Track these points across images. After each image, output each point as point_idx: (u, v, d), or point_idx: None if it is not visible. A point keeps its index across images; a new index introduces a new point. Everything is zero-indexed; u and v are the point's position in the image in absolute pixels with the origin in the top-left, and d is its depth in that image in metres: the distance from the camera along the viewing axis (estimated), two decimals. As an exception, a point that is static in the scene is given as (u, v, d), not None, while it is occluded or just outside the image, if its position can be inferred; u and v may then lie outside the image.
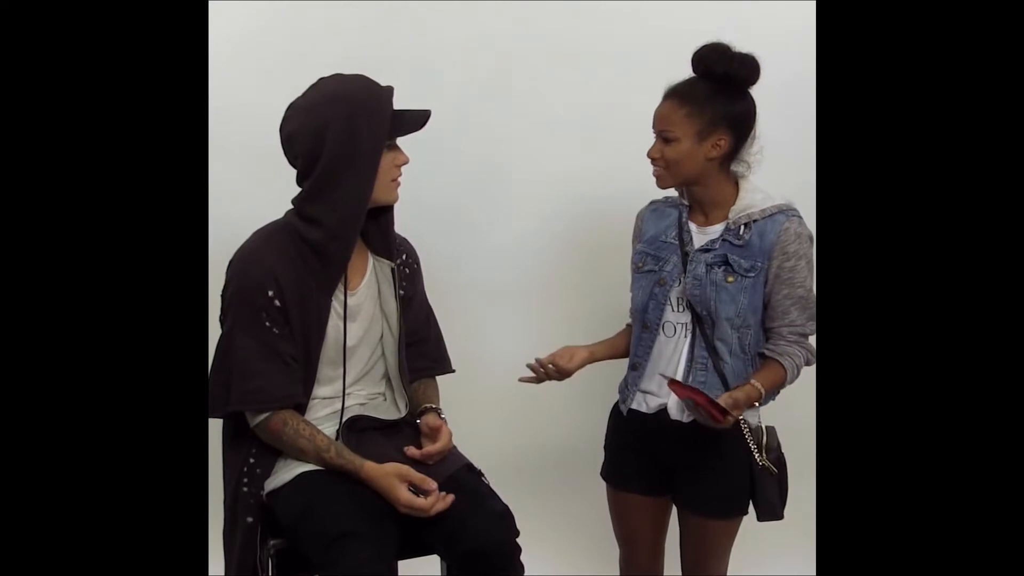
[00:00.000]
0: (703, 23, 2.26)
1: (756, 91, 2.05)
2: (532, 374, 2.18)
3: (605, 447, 2.29)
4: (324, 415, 2.04)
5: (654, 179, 2.10)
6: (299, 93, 2.00)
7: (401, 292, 2.12)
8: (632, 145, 2.18)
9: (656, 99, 2.07)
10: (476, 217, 2.81)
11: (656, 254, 2.14)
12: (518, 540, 1.96)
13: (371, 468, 1.92)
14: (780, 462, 2.12)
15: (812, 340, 2.11)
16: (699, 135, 2.04)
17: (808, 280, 2.09)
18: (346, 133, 1.91)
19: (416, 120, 1.99)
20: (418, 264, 2.20)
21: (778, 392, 2.15)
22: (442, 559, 2.05)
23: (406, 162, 2.02)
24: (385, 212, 2.06)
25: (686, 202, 2.14)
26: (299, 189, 1.99)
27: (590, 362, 2.23)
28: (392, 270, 2.10)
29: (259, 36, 2.67)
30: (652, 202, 2.25)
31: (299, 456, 1.98)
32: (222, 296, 2.02)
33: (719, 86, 2.04)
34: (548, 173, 2.79)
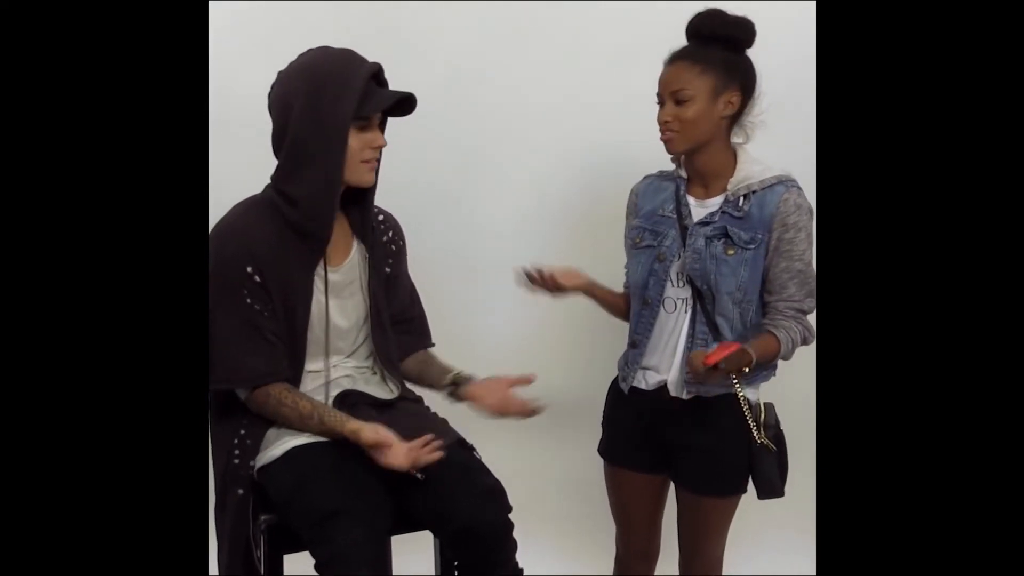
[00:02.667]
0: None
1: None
2: (526, 278, 2.17)
3: (603, 424, 2.28)
4: (312, 388, 2.02)
5: (664, 144, 2.08)
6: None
7: (388, 270, 2.09)
8: (623, 121, 2.21)
9: (651, 81, 2.06)
10: (463, 195, 2.79)
11: (654, 229, 2.13)
12: (511, 516, 1.94)
13: (355, 423, 1.90)
14: (779, 439, 2.11)
15: (812, 319, 2.08)
16: (714, 92, 2.04)
17: (807, 254, 2.07)
18: (310, 106, 1.85)
19: (386, 99, 1.91)
20: (403, 242, 2.16)
21: (774, 368, 2.15)
22: (435, 535, 2.03)
23: (382, 145, 1.95)
24: (365, 194, 2.00)
25: (683, 174, 2.13)
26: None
27: (585, 291, 2.22)
28: (366, 255, 2.05)
29: (257, 17, 2.64)
30: (647, 176, 2.23)
31: (286, 425, 1.96)
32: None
33: (722, 48, 2.05)
34: (536, 151, 2.77)
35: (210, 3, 1.72)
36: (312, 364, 2.01)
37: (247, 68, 2.28)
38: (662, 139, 2.08)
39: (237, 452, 1.98)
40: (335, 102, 1.84)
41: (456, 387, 2.11)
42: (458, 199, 2.79)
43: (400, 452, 1.84)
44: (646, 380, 2.14)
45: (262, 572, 1.95)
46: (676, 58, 2.07)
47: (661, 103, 2.08)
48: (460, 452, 2.00)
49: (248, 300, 1.91)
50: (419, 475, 1.89)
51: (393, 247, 2.12)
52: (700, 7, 2.07)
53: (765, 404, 2.11)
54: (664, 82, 2.07)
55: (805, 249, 2.06)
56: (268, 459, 1.96)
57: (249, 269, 1.90)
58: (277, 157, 1.93)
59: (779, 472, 2.11)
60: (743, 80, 2.08)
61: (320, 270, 1.96)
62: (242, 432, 1.99)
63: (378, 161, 1.96)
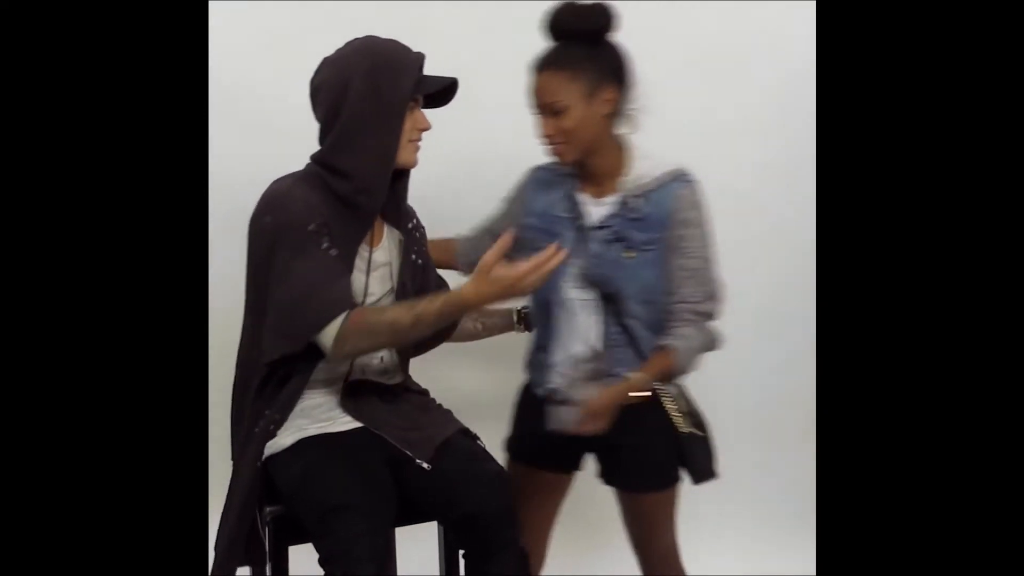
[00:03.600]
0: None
1: (755, 93, 2.04)
2: None
3: (515, 423, 2.21)
4: (331, 375, 2.01)
5: (554, 157, 2.00)
6: (296, 61, 2.00)
7: (419, 260, 2.10)
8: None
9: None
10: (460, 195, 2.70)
11: (549, 229, 2.04)
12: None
13: (462, 291, 1.86)
14: (700, 423, 2.07)
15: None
16: (587, 96, 1.95)
17: (704, 251, 2.00)
18: (370, 83, 1.90)
19: (438, 81, 1.97)
20: (424, 230, 2.17)
21: (684, 373, 2.06)
22: (439, 525, 2.05)
23: (427, 127, 2.00)
24: (401, 178, 2.04)
25: (575, 172, 2.06)
26: (308, 155, 1.98)
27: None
28: (400, 240, 2.07)
29: (257, 15, 2.63)
30: (538, 168, 2.14)
31: (392, 331, 1.88)
32: (255, 245, 1.96)
33: (585, 43, 1.96)
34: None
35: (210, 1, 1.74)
36: None
37: (247, 64, 2.30)
38: (550, 153, 2.01)
39: (261, 423, 1.97)
40: (395, 80, 1.91)
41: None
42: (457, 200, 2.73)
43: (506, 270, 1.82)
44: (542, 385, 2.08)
45: (267, 563, 1.96)
46: (542, 68, 1.98)
47: (538, 114, 1.99)
48: (464, 440, 2.02)
49: (323, 246, 1.90)
50: (425, 464, 1.92)
51: (418, 234, 2.13)
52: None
53: (679, 390, 2.06)
54: (534, 95, 1.99)
55: (701, 247, 1.99)
56: (277, 448, 1.96)
57: (315, 226, 1.89)
58: (325, 136, 1.96)
59: (709, 455, 2.07)
60: (614, 72, 1.99)
61: (363, 250, 1.99)
62: (277, 416, 1.98)
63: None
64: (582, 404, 1.90)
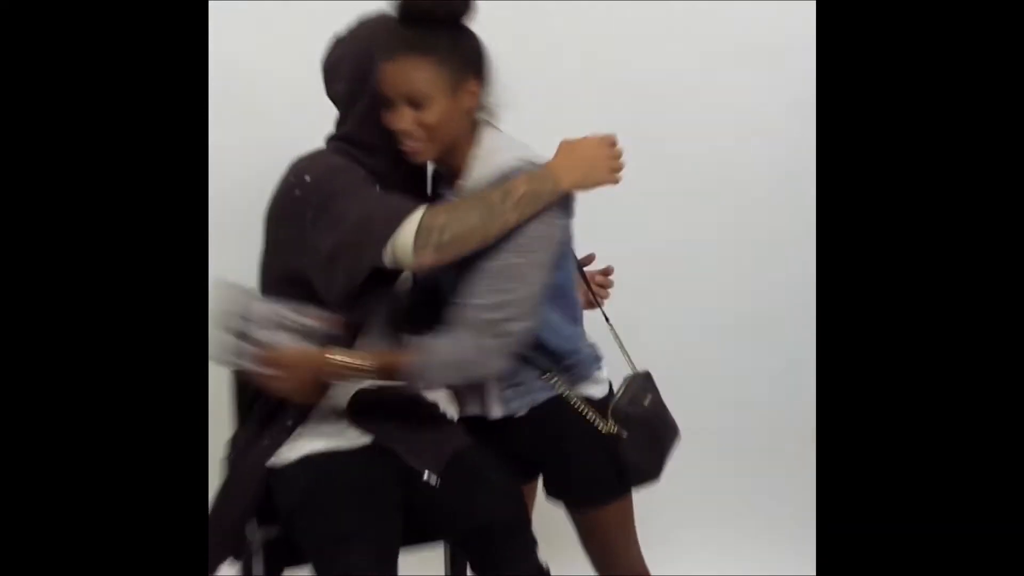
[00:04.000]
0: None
1: (754, 96, 2.04)
2: None
3: None
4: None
5: (409, 155, 1.77)
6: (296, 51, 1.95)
7: None
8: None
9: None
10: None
11: None
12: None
13: (548, 167, 1.74)
14: (634, 419, 1.86)
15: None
16: (452, 87, 1.73)
17: (516, 255, 1.71)
18: None
19: None
20: None
21: (595, 362, 1.91)
22: (447, 543, 1.96)
23: None
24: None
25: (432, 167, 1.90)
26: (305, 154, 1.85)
27: None
28: None
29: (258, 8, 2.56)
30: None
31: (485, 209, 1.68)
32: (286, 215, 1.79)
33: (447, 29, 1.74)
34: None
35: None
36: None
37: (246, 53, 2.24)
38: (405, 150, 1.77)
39: (266, 435, 1.83)
40: None
41: None
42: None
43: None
44: (463, 410, 1.93)
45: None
46: (399, 52, 1.73)
47: (391, 106, 1.75)
48: (474, 452, 1.91)
49: (375, 187, 1.76)
50: (434, 480, 1.82)
51: None
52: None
53: (622, 384, 1.89)
54: (392, 83, 1.73)
55: (515, 249, 1.71)
56: (282, 462, 1.82)
57: (362, 174, 1.77)
58: (347, 112, 1.84)
59: (650, 454, 1.89)
60: (476, 62, 1.78)
61: None
62: (289, 423, 1.83)
63: None
64: (264, 347, 1.73)
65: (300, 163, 1.82)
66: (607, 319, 2.05)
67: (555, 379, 1.84)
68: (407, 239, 1.67)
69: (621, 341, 2.01)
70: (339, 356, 1.74)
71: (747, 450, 2.64)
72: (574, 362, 1.88)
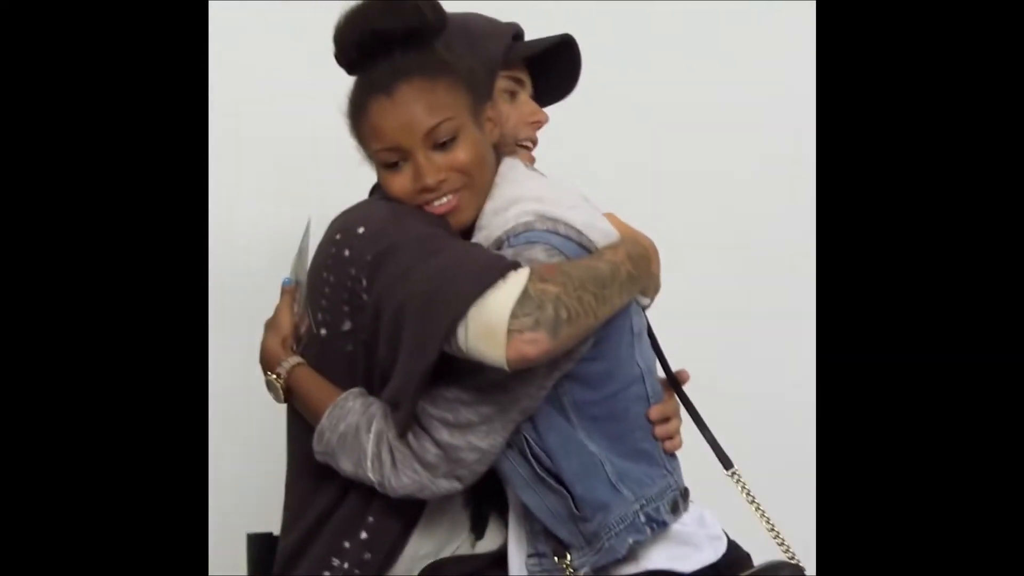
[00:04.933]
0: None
1: (754, 98, 2.03)
2: None
3: None
4: None
5: (448, 218, 1.38)
6: (302, 87, 1.93)
7: None
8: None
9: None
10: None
11: None
12: None
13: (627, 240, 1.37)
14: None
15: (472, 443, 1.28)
16: (475, 110, 1.35)
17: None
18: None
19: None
20: None
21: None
22: None
23: (542, 119, 1.54)
24: None
25: None
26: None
27: None
28: None
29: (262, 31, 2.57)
30: None
31: (596, 281, 1.24)
32: (364, 273, 1.34)
33: (447, 46, 1.36)
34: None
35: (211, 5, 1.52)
36: None
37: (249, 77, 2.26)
38: (441, 211, 1.35)
39: (345, 566, 1.36)
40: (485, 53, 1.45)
41: None
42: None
43: None
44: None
45: None
46: (399, 81, 1.31)
47: (396, 162, 1.34)
48: None
49: (450, 237, 1.35)
50: None
51: None
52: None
53: None
54: (396, 127, 1.30)
55: None
56: None
57: (438, 228, 1.35)
58: None
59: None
60: (486, 82, 1.42)
61: None
62: (363, 536, 1.37)
63: None
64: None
65: (373, 216, 1.39)
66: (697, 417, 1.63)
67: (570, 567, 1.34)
68: (499, 313, 1.15)
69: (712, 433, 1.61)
70: (284, 366, 1.40)
71: (746, 450, 2.64)
72: (596, 529, 1.34)
